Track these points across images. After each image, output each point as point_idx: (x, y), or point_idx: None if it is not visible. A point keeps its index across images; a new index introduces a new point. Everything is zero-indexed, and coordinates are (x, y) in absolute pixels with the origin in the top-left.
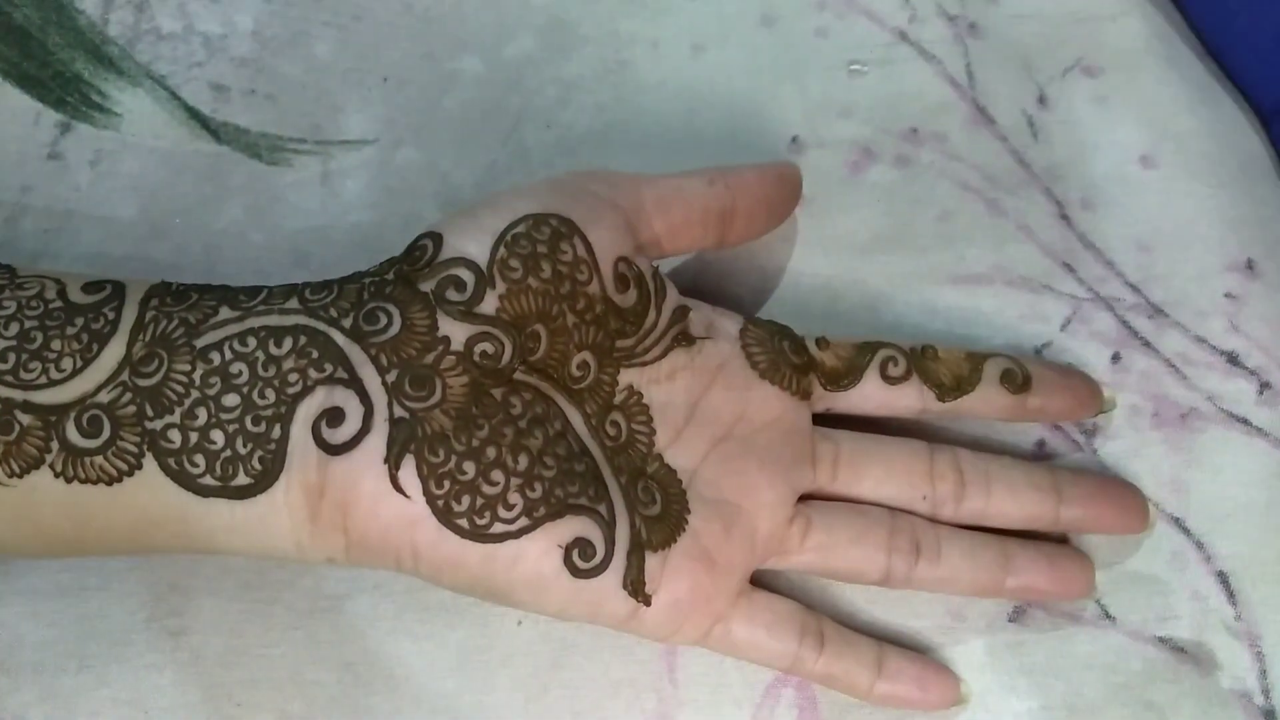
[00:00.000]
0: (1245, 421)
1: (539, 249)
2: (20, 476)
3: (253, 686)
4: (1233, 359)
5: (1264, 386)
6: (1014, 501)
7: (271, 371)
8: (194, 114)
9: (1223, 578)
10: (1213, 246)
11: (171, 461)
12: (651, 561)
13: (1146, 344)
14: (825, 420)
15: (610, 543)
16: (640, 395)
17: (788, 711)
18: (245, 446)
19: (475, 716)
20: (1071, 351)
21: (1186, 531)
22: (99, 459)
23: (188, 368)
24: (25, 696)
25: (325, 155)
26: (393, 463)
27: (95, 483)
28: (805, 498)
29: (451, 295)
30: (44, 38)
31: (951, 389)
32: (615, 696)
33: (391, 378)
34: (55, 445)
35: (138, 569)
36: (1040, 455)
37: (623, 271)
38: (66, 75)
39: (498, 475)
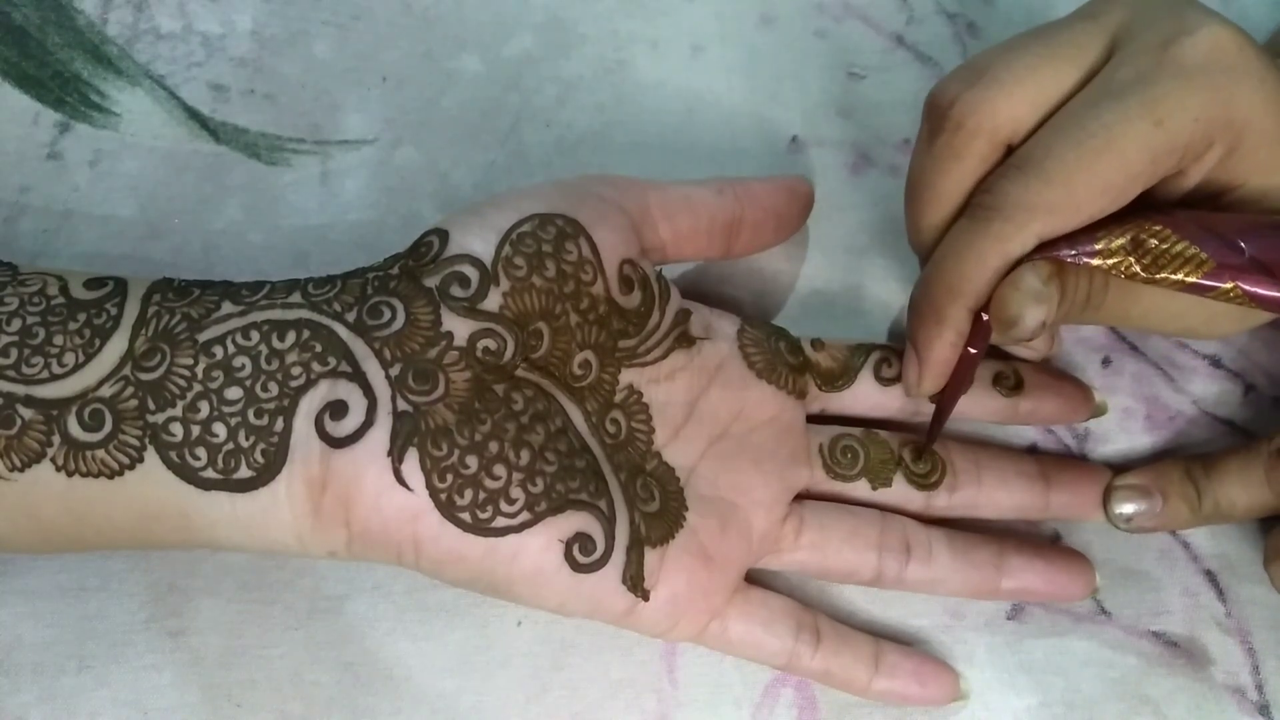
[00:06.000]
0: (1230, 423)
1: (544, 248)
2: (21, 470)
3: (252, 687)
4: (1215, 363)
5: (1249, 389)
6: (1005, 490)
7: (274, 365)
8: (193, 114)
9: (1211, 576)
10: None
11: (173, 455)
12: (650, 557)
13: (1133, 347)
14: (820, 421)
15: (610, 538)
16: (640, 394)
17: (787, 711)
18: (247, 439)
19: (475, 716)
20: (1062, 355)
21: (1172, 531)
22: (100, 453)
23: (190, 361)
24: (25, 697)
25: (324, 155)
26: (396, 456)
27: (96, 476)
28: (800, 497)
29: (456, 291)
30: (43, 37)
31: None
32: (615, 696)
33: (395, 372)
34: (57, 439)
35: (137, 569)
36: None
37: (627, 273)
38: (65, 75)
39: (500, 470)
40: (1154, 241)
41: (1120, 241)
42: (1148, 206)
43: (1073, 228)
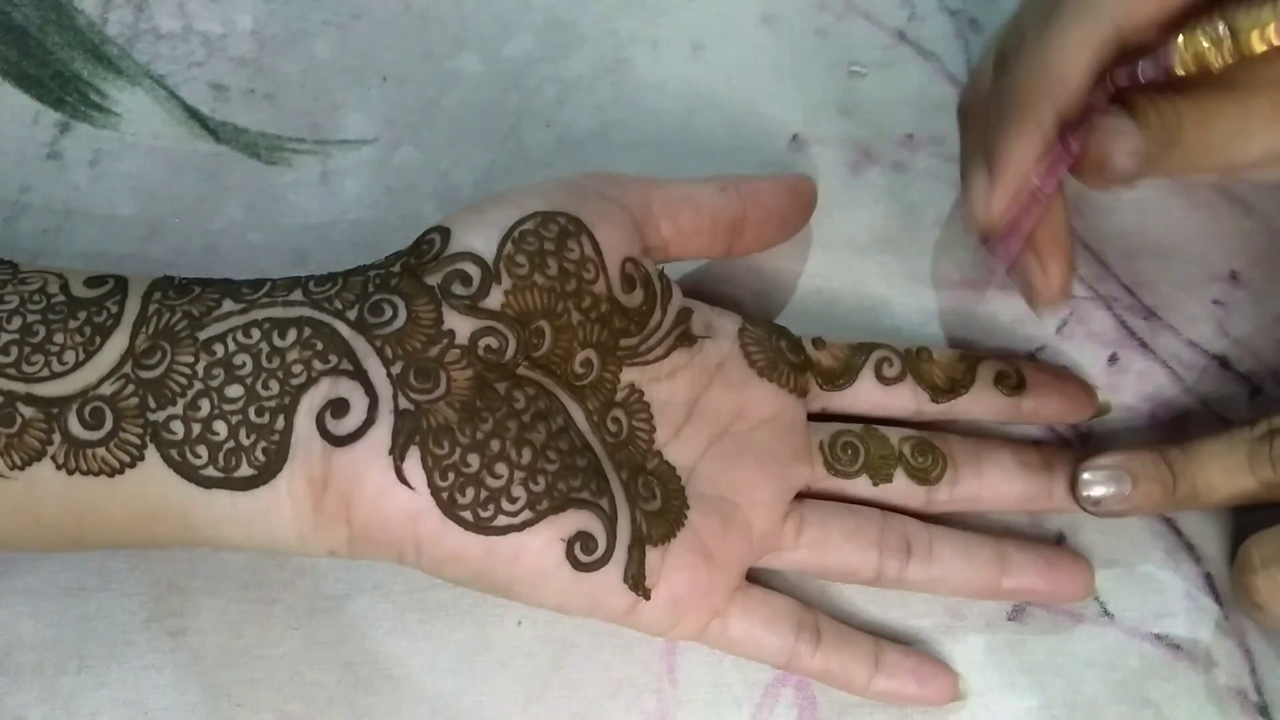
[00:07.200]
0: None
1: (546, 246)
2: (22, 469)
3: (252, 686)
4: (1224, 363)
5: (1255, 391)
6: (1007, 481)
7: (275, 363)
8: (193, 113)
9: (1209, 579)
10: (1194, 259)
11: (174, 453)
12: (651, 556)
13: (1143, 344)
14: (821, 420)
15: (612, 537)
16: (641, 393)
17: (787, 711)
18: (248, 437)
19: (475, 716)
20: (1066, 355)
21: (1178, 532)
22: (101, 451)
23: (191, 359)
24: (25, 696)
25: (324, 154)
26: (397, 454)
27: (97, 474)
28: (801, 496)
29: (457, 289)
30: (43, 37)
31: (945, 390)
32: (615, 696)
33: (396, 370)
34: (57, 437)
35: (137, 569)
36: None
37: (629, 272)
38: (65, 75)
39: (501, 468)
40: (1222, 24)
41: (1190, 36)
42: None
43: (1144, 14)
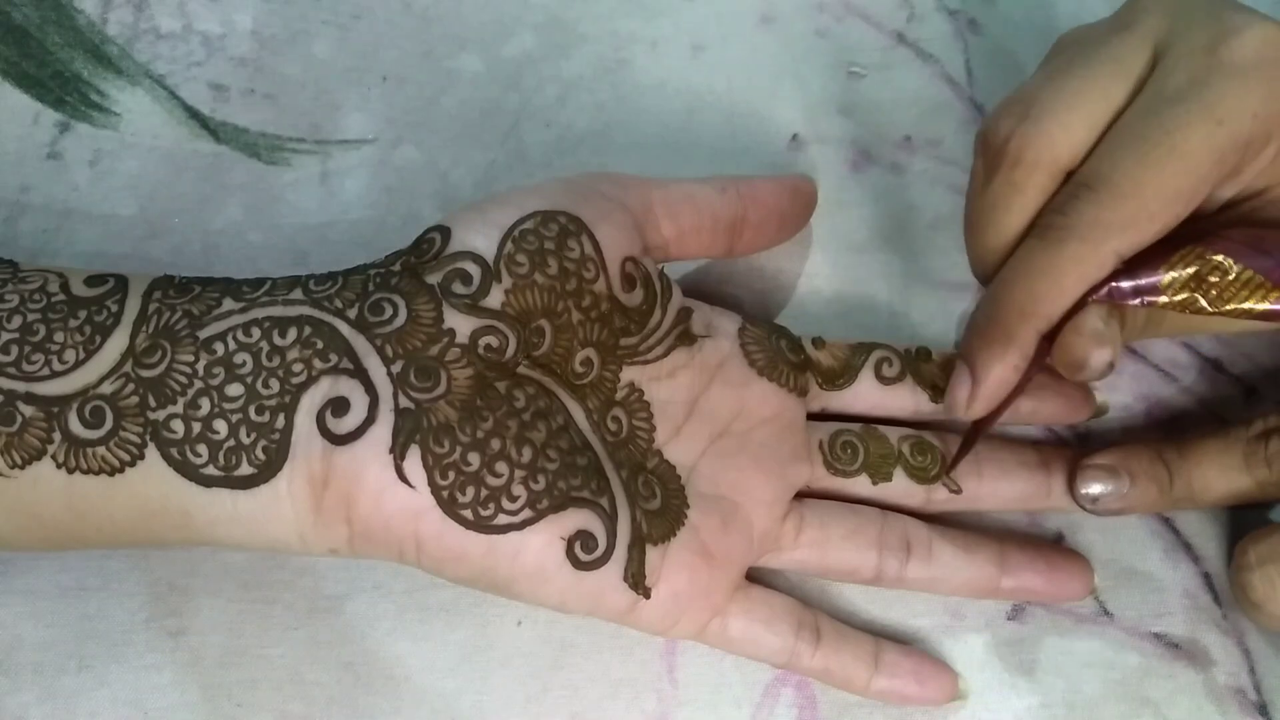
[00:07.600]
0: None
1: (546, 245)
2: (22, 468)
3: (252, 686)
4: (1218, 366)
5: (1250, 392)
6: (1006, 480)
7: (275, 361)
8: (193, 113)
9: (1208, 579)
10: None
11: (174, 451)
12: (652, 555)
13: (1132, 350)
14: (821, 420)
15: (612, 535)
16: (641, 392)
17: (787, 711)
18: (249, 436)
19: (475, 716)
20: None
21: (1176, 532)
22: (101, 449)
23: (191, 358)
24: (25, 696)
25: (324, 154)
26: (398, 453)
27: (97, 473)
28: (801, 495)
29: (457, 288)
30: (43, 37)
31: (944, 390)
32: (615, 696)
33: (397, 368)
34: (57, 436)
35: (137, 569)
36: None
37: (630, 271)
38: (65, 75)
39: (502, 467)
40: (1214, 277)
41: (1183, 276)
42: (1194, 222)
43: (1148, 241)
